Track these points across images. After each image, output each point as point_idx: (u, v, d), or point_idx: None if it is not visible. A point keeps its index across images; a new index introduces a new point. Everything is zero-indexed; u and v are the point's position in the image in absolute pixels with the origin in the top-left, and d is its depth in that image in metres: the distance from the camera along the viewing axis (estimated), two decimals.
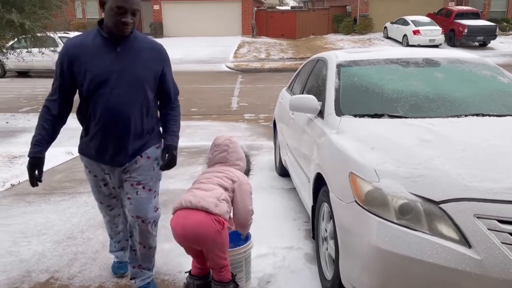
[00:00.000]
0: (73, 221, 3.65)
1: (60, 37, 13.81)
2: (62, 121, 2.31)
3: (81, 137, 2.38)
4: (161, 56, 2.33)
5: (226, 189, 2.28)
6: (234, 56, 19.73)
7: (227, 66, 17.28)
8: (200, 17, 24.70)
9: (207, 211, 2.11)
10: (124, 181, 2.42)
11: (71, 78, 2.19)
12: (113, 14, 2.08)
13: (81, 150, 2.41)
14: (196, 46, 21.39)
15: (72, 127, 2.82)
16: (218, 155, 2.47)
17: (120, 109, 2.20)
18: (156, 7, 24.92)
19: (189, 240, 2.16)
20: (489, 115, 2.63)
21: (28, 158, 2.23)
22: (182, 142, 6.34)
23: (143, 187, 2.38)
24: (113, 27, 2.11)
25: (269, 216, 3.65)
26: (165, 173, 4.83)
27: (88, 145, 2.33)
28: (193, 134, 6.95)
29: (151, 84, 2.30)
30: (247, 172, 2.55)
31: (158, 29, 24.60)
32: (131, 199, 2.39)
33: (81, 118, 2.33)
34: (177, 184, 4.53)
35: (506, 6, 25.95)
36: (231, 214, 2.33)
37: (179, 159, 5.64)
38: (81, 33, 2.31)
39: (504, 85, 3.06)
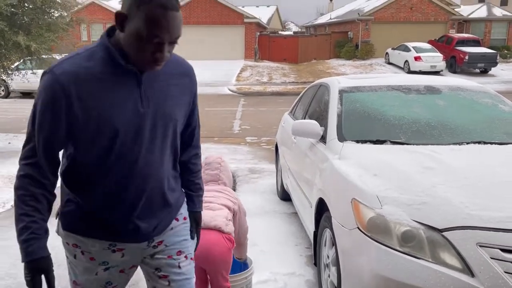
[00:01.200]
0: None
1: None
2: (55, 185, 1.41)
3: (67, 206, 1.47)
4: (192, 82, 1.55)
5: (229, 209, 2.32)
6: (237, 80, 19.95)
7: (229, 89, 17.46)
8: (203, 41, 25.09)
9: (219, 230, 2.15)
10: (150, 258, 1.55)
11: (67, 126, 1.31)
12: (141, 45, 1.27)
13: (70, 225, 1.47)
14: (199, 69, 21.38)
15: None
16: (210, 173, 2.47)
17: (150, 171, 1.42)
18: None
19: (199, 259, 2.14)
20: (491, 143, 2.65)
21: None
22: None
23: (186, 257, 1.60)
24: (138, 61, 1.31)
25: (271, 241, 3.62)
26: None
27: (86, 219, 1.45)
28: None
29: (182, 125, 1.55)
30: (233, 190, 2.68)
31: None
32: (171, 278, 1.55)
33: (73, 184, 1.44)
34: None
35: (507, 34, 26.35)
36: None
37: None
38: (73, 53, 1.36)
39: (505, 113, 3.08)
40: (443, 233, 1.81)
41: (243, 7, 32.37)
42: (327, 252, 2.53)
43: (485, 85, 3.59)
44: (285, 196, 4.63)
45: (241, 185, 5.41)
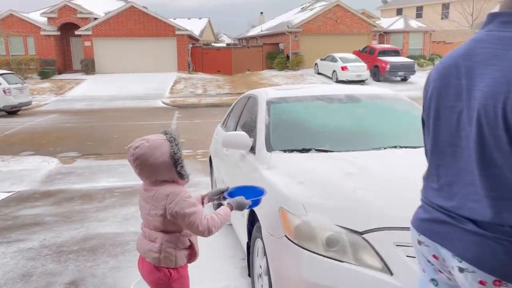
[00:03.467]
0: None
1: None
2: None
3: None
4: None
5: (165, 229, 1.89)
6: (171, 92, 19.65)
7: (163, 102, 17.14)
8: (134, 54, 24.48)
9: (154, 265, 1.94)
10: None
11: None
12: None
13: None
14: (131, 83, 21.04)
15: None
16: (137, 172, 1.92)
17: None
18: (87, 43, 24.35)
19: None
20: (406, 147, 2.84)
21: None
22: (116, 182, 6.15)
23: None
24: None
25: (207, 255, 3.56)
26: (95, 216, 4.64)
27: None
28: (126, 173, 6.72)
29: None
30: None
31: (90, 66, 23.97)
32: None
33: None
34: (108, 228, 4.31)
35: (422, 44, 28.63)
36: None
37: (111, 200, 5.46)
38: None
39: (418, 118, 3.32)
40: (363, 236, 1.91)
41: (174, 19, 32.06)
42: (259, 263, 2.55)
43: (399, 93, 3.85)
44: None
45: None
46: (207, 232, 1.89)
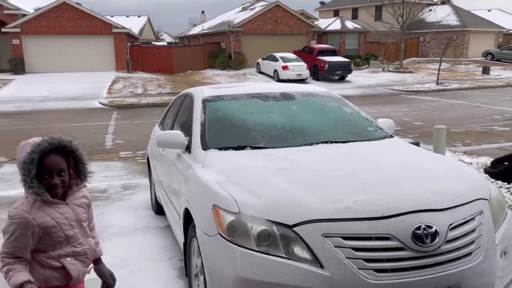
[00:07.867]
0: None
1: None
2: None
3: None
4: None
5: None
6: (108, 92, 18.91)
7: (100, 103, 16.45)
8: (68, 52, 23.23)
9: None
10: None
11: None
12: None
13: None
14: (65, 82, 19.96)
15: None
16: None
17: None
18: (15, 41, 22.76)
19: None
20: (336, 142, 2.94)
21: None
22: None
23: None
24: None
25: (144, 258, 3.49)
26: None
27: None
28: None
29: None
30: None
31: (19, 65, 22.43)
32: None
33: None
34: None
35: (358, 44, 29.85)
36: None
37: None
38: None
39: (348, 114, 3.46)
40: (293, 229, 1.95)
41: (112, 16, 30.88)
42: (195, 262, 2.53)
43: (335, 91, 3.98)
44: (159, 210, 4.51)
45: (113, 203, 5.12)
46: None
